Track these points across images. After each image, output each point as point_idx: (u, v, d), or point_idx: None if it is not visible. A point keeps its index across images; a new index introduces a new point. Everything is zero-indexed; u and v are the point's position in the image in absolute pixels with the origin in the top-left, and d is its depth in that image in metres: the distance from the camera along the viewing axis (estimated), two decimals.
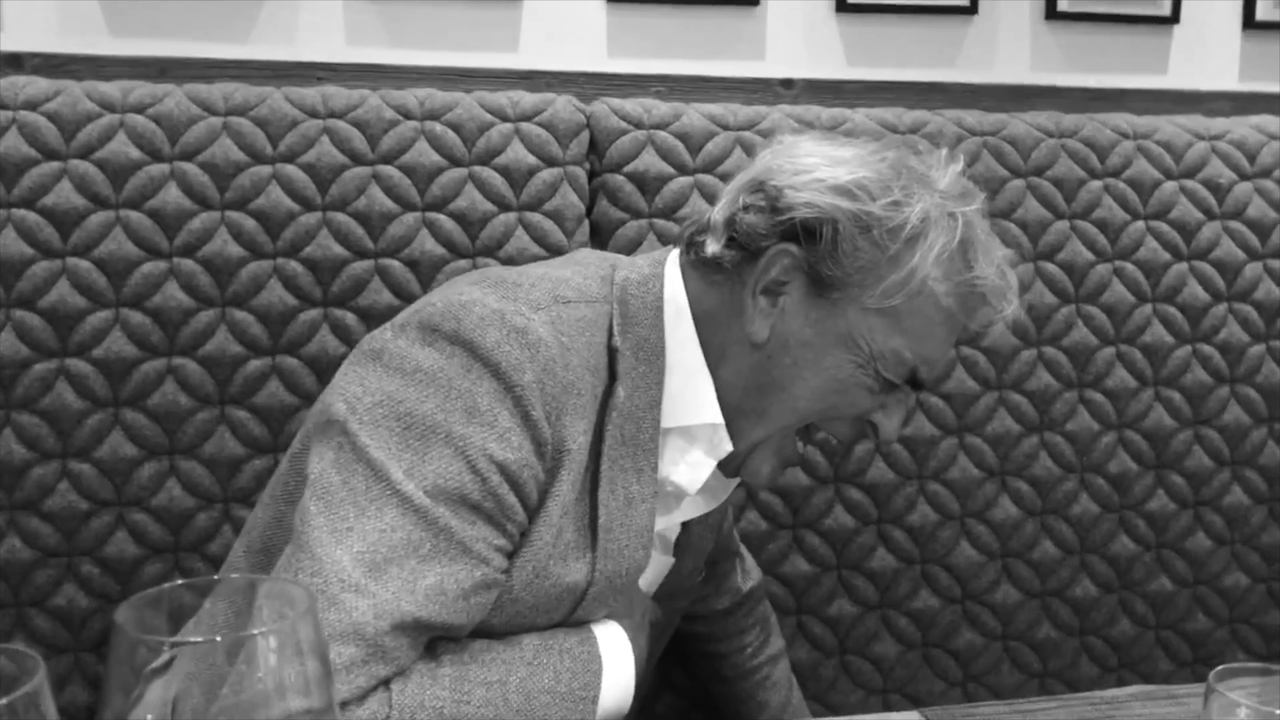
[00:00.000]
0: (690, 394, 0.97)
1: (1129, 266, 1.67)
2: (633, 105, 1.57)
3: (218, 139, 1.42)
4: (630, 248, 1.52)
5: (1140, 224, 1.68)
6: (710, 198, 1.54)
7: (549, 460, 0.89)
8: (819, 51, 1.76)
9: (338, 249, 1.43)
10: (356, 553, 0.82)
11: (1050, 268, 1.64)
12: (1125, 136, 1.70)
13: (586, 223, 1.53)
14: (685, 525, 1.12)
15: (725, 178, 1.54)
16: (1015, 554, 1.62)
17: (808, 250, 0.95)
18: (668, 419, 0.98)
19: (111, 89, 1.42)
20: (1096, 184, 1.67)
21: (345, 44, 1.60)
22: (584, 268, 1.01)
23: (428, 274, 1.46)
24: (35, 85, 1.40)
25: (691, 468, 0.99)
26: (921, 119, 1.64)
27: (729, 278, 0.99)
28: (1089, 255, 1.65)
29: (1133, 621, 1.67)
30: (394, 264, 1.44)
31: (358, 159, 1.45)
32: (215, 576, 0.85)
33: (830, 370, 0.96)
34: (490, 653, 0.90)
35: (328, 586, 0.81)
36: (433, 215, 1.46)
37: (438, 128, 1.48)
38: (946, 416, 1.60)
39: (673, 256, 1.04)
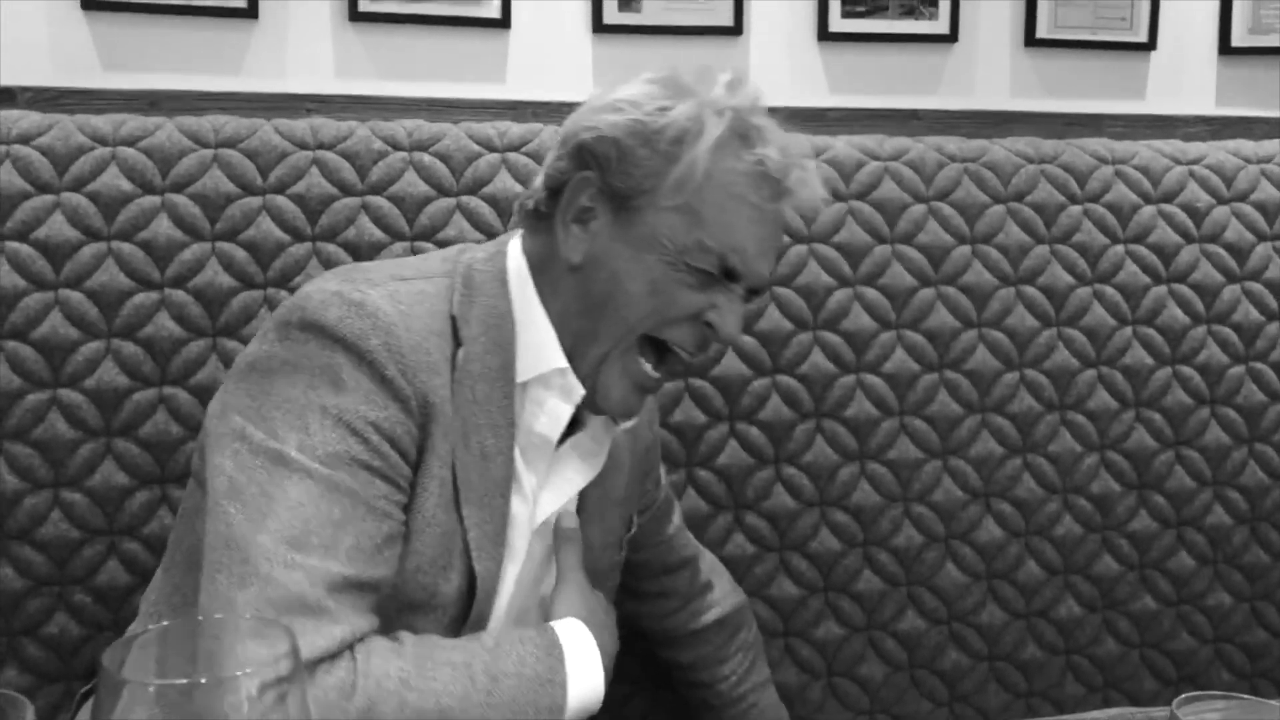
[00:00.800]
0: (538, 346, 1.04)
1: (1109, 290, 1.69)
2: None
3: (208, 171, 1.44)
4: None
5: (1119, 248, 1.70)
6: None
7: (419, 415, 0.96)
8: (801, 79, 1.79)
9: None
10: (275, 532, 0.88)
11: (1031, 291, 1.66)
12: (1104, 161, 1.72)
13: None
14: (584, 502, 1.14)
15: None
16: (1000, 575, 1.64)
17: (600, 172, 1.02)
18: (522, 375, 1.04)
19: (103, 122, 1.44)
20: (1076, 209, 1.69)
21: (334, 76, 1.63)
22: (430, 256, 1.10)
23: None
24: (28, 119, 1.42)
25: (550, 416, 1.04)
26: (903, 145, 1.67)
27: (548, 222, 1.06)
28: (1069, 279, 1.68)
29: (1117, 641, 1.68)
30: None
31: (347, 190, 1.47)
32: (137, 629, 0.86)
33: (645, 273, 1.01)
34: (452, 641, 0.96)
35: (259, 568, 0.87)
36: (422, 245, 1.48)
37: (426, 158, 1.51)
38: (930, 439, 1.62)
39: (519, 234, 1.11)
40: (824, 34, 1.78)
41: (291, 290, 1.43)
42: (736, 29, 1.74)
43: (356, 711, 0.86)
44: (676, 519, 1.38)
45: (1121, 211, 1.71)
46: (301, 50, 1.61)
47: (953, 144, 1.69)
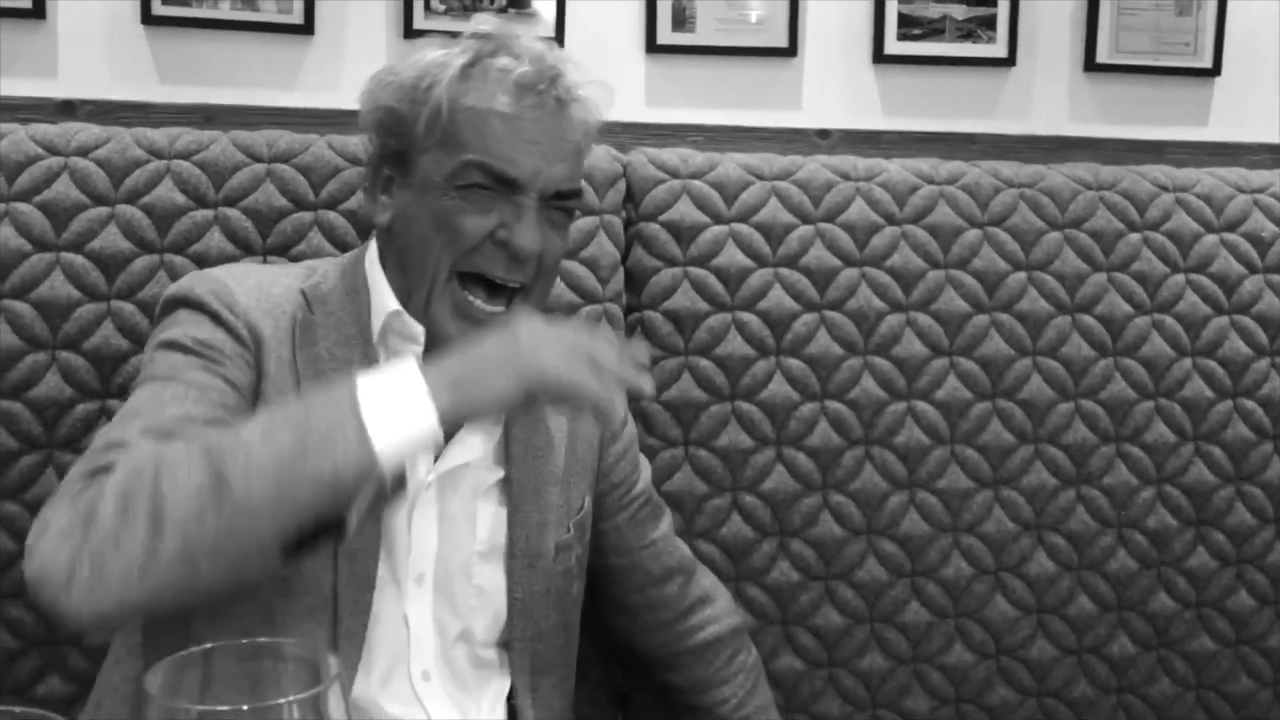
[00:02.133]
0: (381, 306, 1.12)
1: (1169, 320, 1.65)
2: (669, 155, 1.58)
3: (261, 185, 1.44)
4: (665, 295, 1.53)
5: (1180, 277, 1.66)
6: (746, 247, 1.55)
7: (250, 343, 1.06)
8: (855, 102, 1.77)
9: None
10: (120, 416, 1.01)
11: (1088, 320, 1.63)
12: (1164, 189, 1.69)
13: (622, 270, 1.54)
14: (517, 476, 1.16)
15: (760, 227, 1.55)
16: (1051, 610, 1.60)
17: (382, 141, 1.12)
18: (375, 333, 1.12)
19: (159, 135, 1.45)
20: (1135, 236, 1.66)
21: None
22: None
23: None
24: (87, 132, 1.44)
25: (400, 357, 1.09)
26: (958, 170, 1.64)
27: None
28: (1127, 308, 1.64)
29: (1173, 681, 1.64)
30: None
31: None
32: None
33: (427, 212, 1.08)
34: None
35: (98, 441, 0.97)
36: None
37: None
38: (982, 469, 1.59)
39: None
40: (879, 56, 1.76)
41: None
42: (791, 50, 1.72)
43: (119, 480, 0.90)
44: (664, 526, 1.34)
45: (1182, 240, 1.67)
46: (356, 66, 1.61)
47: (1009, 169, 1.66)
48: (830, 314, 1.56)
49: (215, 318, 1.06)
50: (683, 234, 1.54)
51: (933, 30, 1.77)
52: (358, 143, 1.49)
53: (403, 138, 1.10)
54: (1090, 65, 1.82)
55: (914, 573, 1.57)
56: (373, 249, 1.16)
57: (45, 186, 1.39)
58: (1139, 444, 1.63)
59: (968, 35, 1.78)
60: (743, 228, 1.56)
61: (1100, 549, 1.61)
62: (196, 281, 1.10)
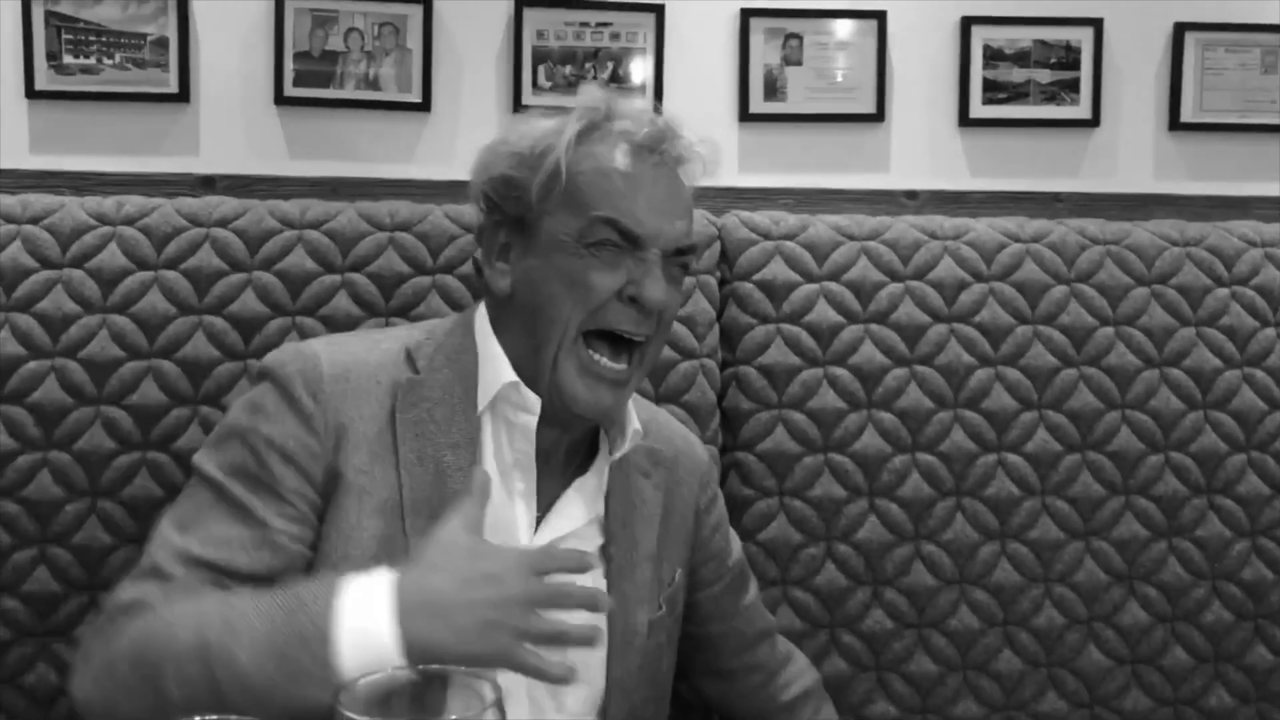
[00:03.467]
0: (494, 374, 1.12)
1: (1259, 374, 1.67)
2: (762, 217, 1.66)
3: (384, 252, 1.55)
4: (758, 351, 1.60)
5: (1270, 331, 1.68)
6: (837, 304, 1.61)
7: (327, 435, 1.08)
8: (942, 164, 1.83)
9: None
10: (173, 519, 1.07)
11: (1176, 374, 1.65)
12: (1252, 244, 1.71)
13: (717, 328, 1.62)
14: (611, 554, 1.15)
15: (851, 285, 1.62)
16: (1145, 660, 1.61)
17: (500, 208, 1.13)
18: (482, 402, 1.12)
19: (291, 207, 1.57)
20: (1223, 291, 1.68)
21: None
22: None
23: None
24: (226, 204, 1.57)
25: (521, 430, 1.11)
26: (1044, 228, 1.69)
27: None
28: (1216, 362, 1.66)
29: None
30: None
31: None
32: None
33: (557, 272, 1.09)
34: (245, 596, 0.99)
35: (151, 550, 1.04)
36: None
37: None
38: (1073, 520, 1.61)
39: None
40: (965, 119, 1.82)
41: None
42: (879, 116, 1.80)
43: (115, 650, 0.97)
44: (753, 590, 1.38)
45: (1272, 295, 1.69)
46: (470, 139, 1.73)
47: (1095, 226, 1.70)
48: (920, 368, 1.62)
49: (296, 405, 1.08)
50: (776, 292, 1.61)
51: (1017, 94, 1.83)
52: (472, 211, 1.59)
53: (519, 203, 1.11)
54: (1175, 124, 1.86)
55: (1006, 622, 1.60)
56: (482, 314, 1.17)
57: (190, 255, 1.52)
58: (1231, 496, 1.64)
59: (1052, 98, 1.83)
60: (834, 286, 1.62)
61: (1194, 600, 1.62)
62: (290, 357, 1.11)
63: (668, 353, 1.57)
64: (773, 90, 1.78)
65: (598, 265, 1.08)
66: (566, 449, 1.17)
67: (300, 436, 1.07)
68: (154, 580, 1.02)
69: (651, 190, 1.10)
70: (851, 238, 1.65)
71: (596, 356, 1.10)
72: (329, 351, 1.12)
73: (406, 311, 1.54)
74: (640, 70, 1.75)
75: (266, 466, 1.06)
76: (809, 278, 1.62)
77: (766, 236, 1.64)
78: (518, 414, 1.11)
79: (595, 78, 1.74)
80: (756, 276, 1.62)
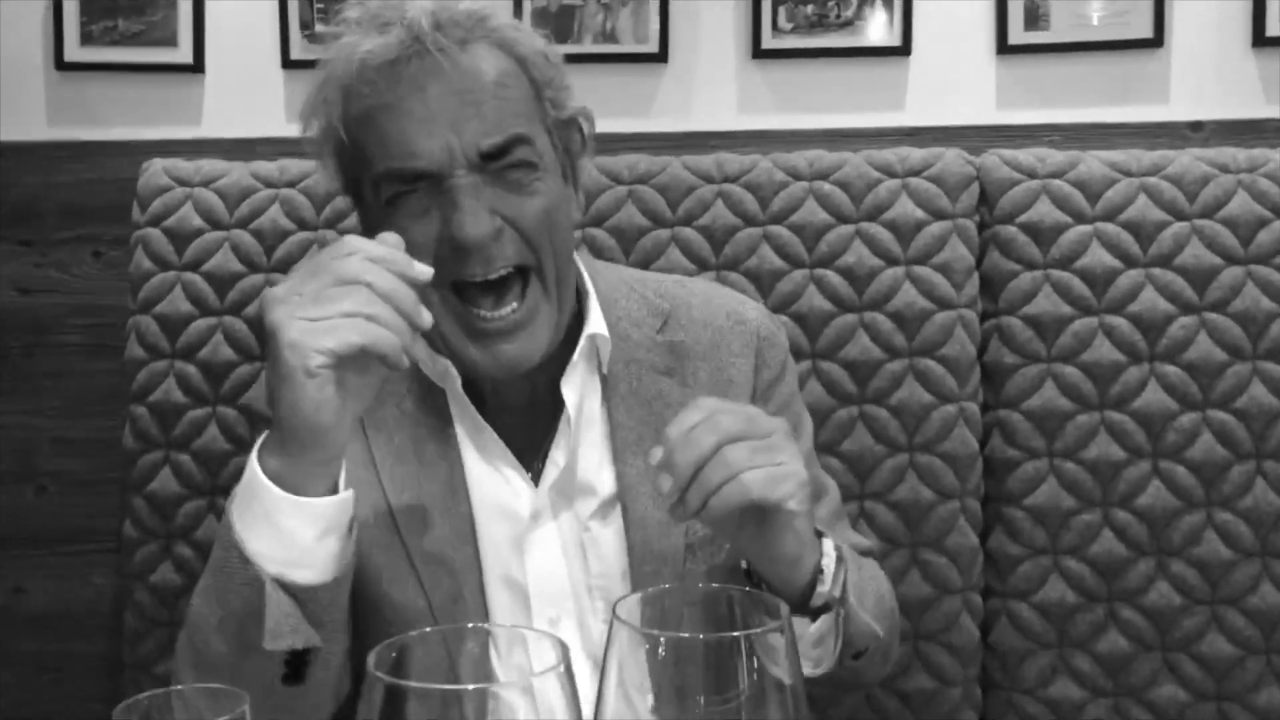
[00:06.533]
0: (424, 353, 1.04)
1: None
2: (1025, 155, 1.53)
3: (623, 206, 1.53)
4: (1024, 300, 1.47)
5: None
6: (1112, 247, 1.47)
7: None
8: (1232, 90, 1.64)
9: None
10: None
11: None
12: None
13: (976, 275, 1.50)
14: (628, 474, 1.02)
15: (1129, 226, 1.47)
16: None
17: (347, 190, 1.03)
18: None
19: None
20: None
21: (737, 113, 1.68)
22: None
23: (814, 328, 1.48)
24: None
25: (460, 400, 1.03)
26: None
27: None
28: None
29: None
30: (781, 320, 1.47)
31: (750, 220, 1.51)
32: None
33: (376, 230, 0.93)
34: None
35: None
36: (820, 272, 1.49)
37: (826, 187, 1.52)
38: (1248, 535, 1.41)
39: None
40: (1259, 39, 1.62)
41: None
42: (1157, 40, 1.62)
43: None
44: (824, 512, 1.09)
45: None
46: (707, 90, 1.68)
47: None
48: (1211, 315, 1.45)
49: None
50: (1042, 236, 1.48)
51: None
52: (710, 162, 1.55)
53: (345, 179, 1.02)
54: None
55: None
56: None
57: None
58: None
59: None
60: (1109, 227, 1.47)
61: None
62: None
63: (921, 303, 1.47)
64: (1034, 19, 1.63)
65: (406, 220, 0.94)
66: (542, 388, 1.03)
67: None
68: None
69: (416, 107, 0.93)
70: (1128, 174, 1.50)
71: (477, 310, 0.96)
72: None
73: (647, 265, 1.50)
74: (889, 4, 1.64)
75: None
76: (1080, 219, 1.48)
77: (1031, 175, 1.51)
78: (447, 382, 1.02)
79: (839, 17, 1.65)
80: (1020, 219, 1.49)
